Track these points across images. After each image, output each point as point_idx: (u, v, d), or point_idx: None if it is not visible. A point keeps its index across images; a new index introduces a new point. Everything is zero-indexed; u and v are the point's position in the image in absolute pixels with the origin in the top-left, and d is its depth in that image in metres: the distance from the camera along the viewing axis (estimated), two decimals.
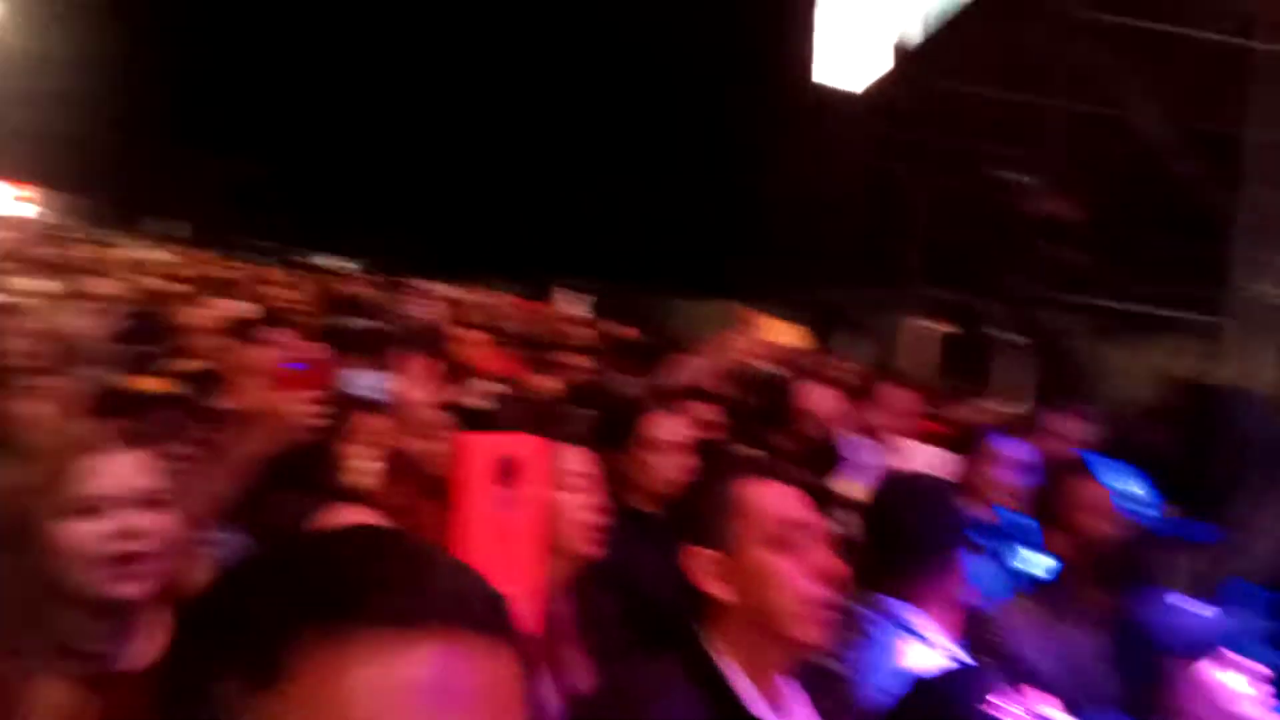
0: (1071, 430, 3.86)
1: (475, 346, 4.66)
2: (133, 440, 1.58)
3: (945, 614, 2.03)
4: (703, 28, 30.20)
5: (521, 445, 0.93)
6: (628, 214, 36.01)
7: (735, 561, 1.50)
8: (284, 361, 2.03)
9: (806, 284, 19.82)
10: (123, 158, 33.57)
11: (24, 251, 6.84)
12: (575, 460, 2.03)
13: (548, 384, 3.96)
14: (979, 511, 3.23)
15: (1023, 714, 1.37)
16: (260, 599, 0.57)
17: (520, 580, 0.92)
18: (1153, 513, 2.60)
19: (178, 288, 4.21)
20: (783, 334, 4.02)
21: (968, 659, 1.87)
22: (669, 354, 4.00)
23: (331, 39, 40.23)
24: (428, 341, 3.29)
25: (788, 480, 1.59)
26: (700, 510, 1.57)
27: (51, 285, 4.36)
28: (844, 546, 2.07)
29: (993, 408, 5.57)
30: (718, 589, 1.50)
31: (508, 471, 0.91)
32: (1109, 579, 2.35)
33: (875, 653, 1.91)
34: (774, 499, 1.53)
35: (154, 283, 5.85)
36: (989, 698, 1.52)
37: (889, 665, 1.88)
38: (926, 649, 1.90)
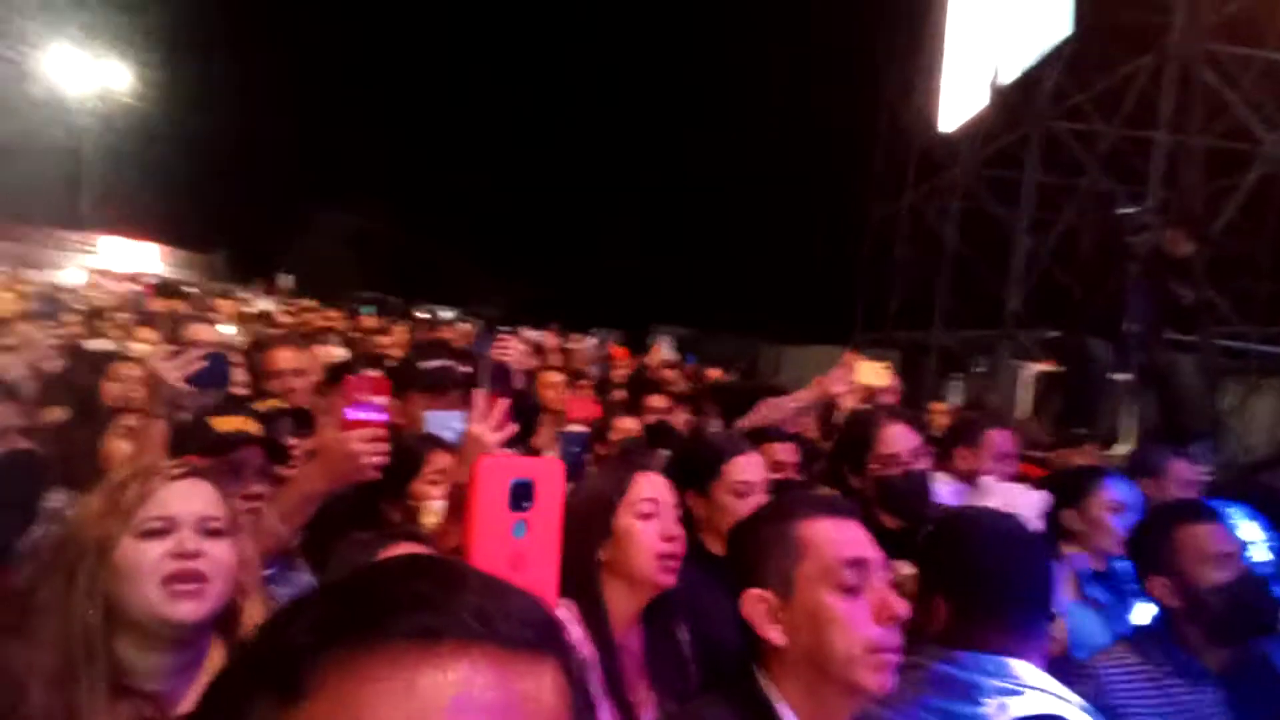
0: (1183, 473, 3.64)
1: (555, 388, 4.70)
2: (204, 474, 1.63)
3: (1037, 661, 1.88)
4: (798, 75, 30.32)
5: (537, 468, 0.89)
6: (729, 261, 36.16)
7: (793, 604, 1.44)
8: (354, 403, 2.04)
9: (909, 326, 19.48)
10: (237, 214, 35.50)
11: (138, 304, 7.24)
12: (650, 488, 2.01)
13: (627, 425, 3.94)
14: (1083, 557, 3.06)
15: None
16: (291, 622, 0.59)
17: None
18: (1272, 557, 2.39)
19: (274, 334, 4.36)
20: (877, 376, 3.89)
21: (1076, 702, 1.70)
22: (758, 397, 3.93)
23: (434, 98, 41.95)
24: (500, 382, 3.29)
25: (847, 517, 1.51)
26: (757, 551, 1.50)
27: (156, 335, 4.59)
28: (927, 595, 1.97)
29: (1100, 450, 5.27)
30: (774, 633, 1.44)
31: (523, 495, 0.87)
32: (1222, 628, 2.16)
33: (962, 704, 1.77)
34: (832, 538, 1.46)
35: (253, 330, 6.12)
36: None
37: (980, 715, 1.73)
38: (1027, 697, 1.75)
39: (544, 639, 0.61)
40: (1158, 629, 2.32)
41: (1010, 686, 1.70)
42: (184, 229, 30.65)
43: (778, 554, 1.46)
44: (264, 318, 7.80)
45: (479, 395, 2.42)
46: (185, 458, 2.26)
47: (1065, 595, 2.86)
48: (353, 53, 41.94)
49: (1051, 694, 1.69)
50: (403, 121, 43.05)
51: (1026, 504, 2.61)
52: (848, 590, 1.41)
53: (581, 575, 1.96)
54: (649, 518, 1.97)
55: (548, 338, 8.28)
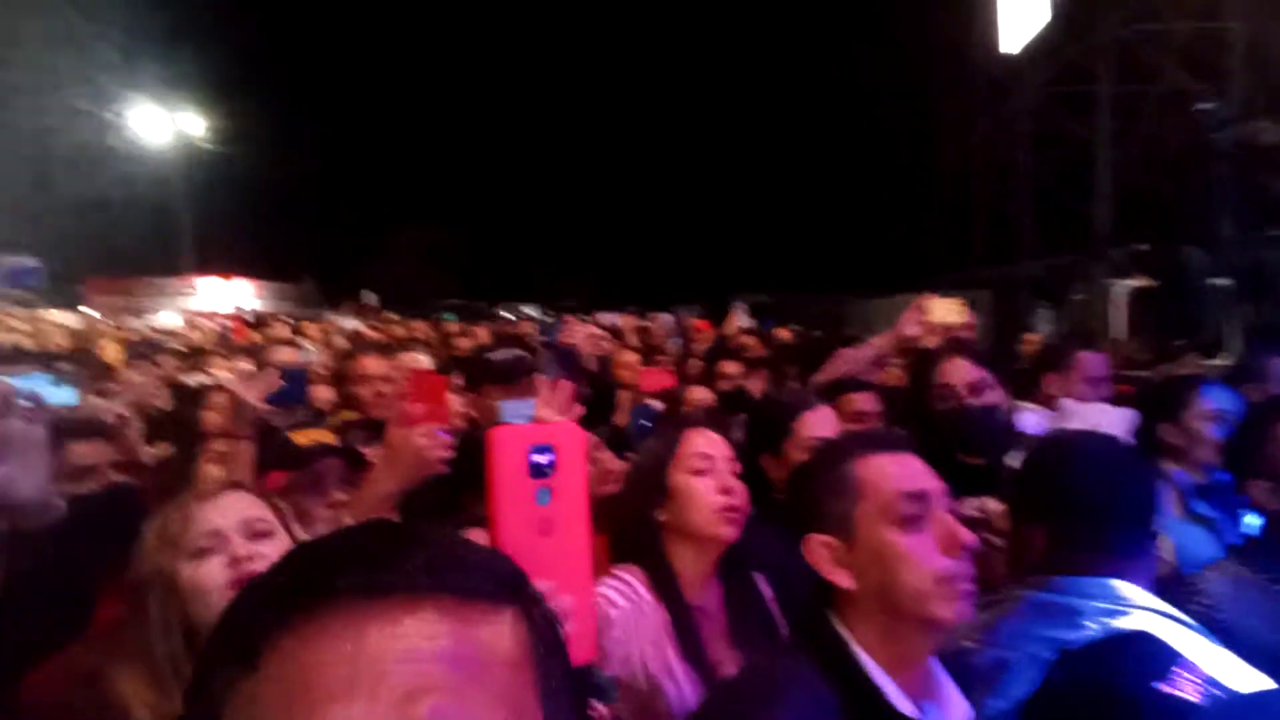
0: None
1: (631, 368, 4.72)
2: (238, 484, 1.71)
3: (1143, 583, 1.81)
4: (852, 20, 29.55)
5: (555, 434, 0.89)
6: (805, 221, 35.65)
7: (856, 545, 1.41)
8: (416, 401, 2.09)
9: (995, 261, 18.88)
10: (321, 242, 36.67)
11: (228, 338, 7.56)
12: (701, 443, 2.02)
13: (699, 395, 3.92)
14: (1183, 473, 2.93)
15: (1201, 684, 1.21)
16: (246, 595, 0.60)
17: (567, 572, 0.88)
18: None
19: (361, 344, 4.50)
20: (952, 313, 3.78)
21: (1182, 619, 1.64)
22: (832, 350, 3.88)
23: (492, 101, 42.40)
24: (568, 366, 3.33)
25: (902, 451, 1.47)
26: (814, 496, 1.47)
27: (247, 365, 4.79)
28: (1023, 526, 1.92)
29: (1200, 361, 5.03)
30: (841, 577, 1.41)
31: (544, 463, 0.87)
32: None
33: (1065, 629, 1.72)
34: (888, 472, 1.42)
35: (335, 349, 6.30)
36: (1173, 667, 1.36)
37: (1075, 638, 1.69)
38: (1133, 617, 1.70)
39: (501, 588, 0.61)
40: (1266, 537, 2.21)
41: (1115, 607, 1.66)
42: (273, 262, 31.75)
43: (835, 496, 1.43)
44: (353, 336, 8.05)
45: (541, 381, 2.46)
46: (270, 473, 2.38)
47: (1170, 512, 2.75)
48: (412, 73, 42.70)
49: (1158, 613, 1.64)
50: (466, 130, 43.68)
51: (1113, 423, 2.52)
52: (910, 524, 1.37)
53: (643, 538, 1.98)
54: (703, 473, 1.97)
55: (624, 319, 8.31)
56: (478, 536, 1.66)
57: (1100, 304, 9.72)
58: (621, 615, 1.84)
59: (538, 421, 2.35)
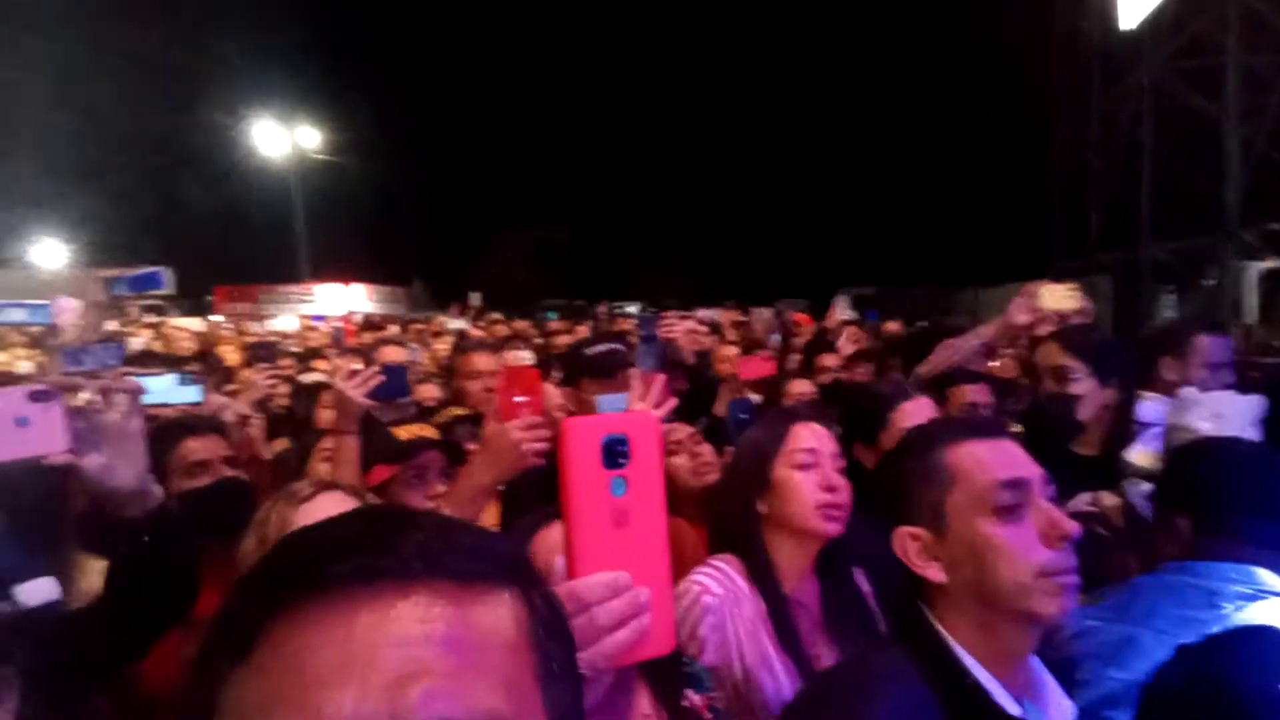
0: None
1: (731, 362, 4.68)
2: (332, 486, 1.74)
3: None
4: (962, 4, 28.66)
5: (629, 423, 0.88)
6: (911, 211, 34.81)
7: (948, 537, 1.35)
8: (512, 395, 2.12)
9: (1114, 245, 18.00)
10: (429, 246, 37.80)
11: (340, 340, 7.85)
12: (807, 437, 1.99)
13: (800, 388, 3.87)
14: None
15: None
16: (241, 585, 0.60)
17: (643, 563, 0.87)
18: None
19: (471, 341, 4.60)
20: (1066, 300, 3.62)
21: None
22: (936, 342, 3.77)
23: (595, 102, 42.80)
24: (665, 360, 3.33)
25: (998, 437, 1.39)
26: (903, 486, 1.42)
27: (356, 364, 4.95)
28: (1166, 515, 1.87)
29: None
30: (933, 570, 1.36)
31: (618, 452, 0.86)
32: None
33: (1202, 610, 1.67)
34: (982, 460, 1.35)
35: (439, 349, 6.47)
36: None
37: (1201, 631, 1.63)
38: (1270, 602, 1.63)
39: (497, 570, 0.60)
40: None
41: (1252, 591, 1.65)
42: (386, 267, 32.92)
43: (925, 485, 1.37)
44: (458, 336, 8.26)
45: (634, 375, 2.46)
46: (374, 467, 2.45)
47: None
48: (514, 78, 43.53)
49: None
50: (568, 131, 44.24)
51: (1238, 410, 2.37)
52: (1007, 514, 1.30)
53: (743, 529, 1.96)
54: (807, 468, 1.94)
55: (724, 314, 8.27)
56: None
57: (1230, 287, 9.16)
58: (718, 603, 1.83)
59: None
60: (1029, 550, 1.29)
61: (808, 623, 1.91)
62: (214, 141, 31.19)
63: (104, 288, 3.70)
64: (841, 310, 7.09)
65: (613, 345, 3.34)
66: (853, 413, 2.76)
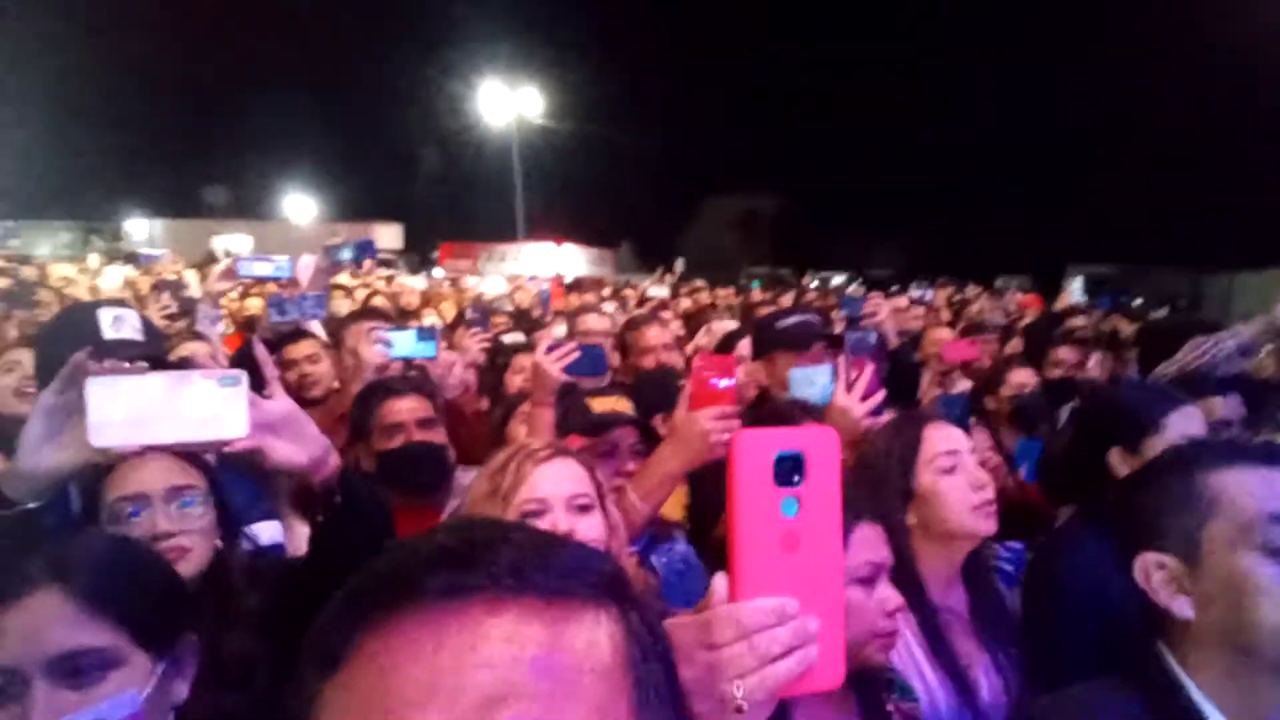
0: None
1: (940, 345, 4.39)
2: (569, 453, 1.75)
3: None
4: None
5: (807, 438, 0.78)
6: (1156, 183, 31.70)
7: (1202, 570, 1.20)
8: (703, 381, 2.05)
9: None
10: (638, 210, 38.53)
11: (546, 302, 8.07)
12: (945, 440, 1.93)
13: (1020, 378, 3.55)
14: None
15: None
16: (336, 596, 0.59)
17: (814, 591, 0.78)
18: None
19: (642, 314, 4.56)
20: None
21: None
22: (1187, 336, 3.36)
23: (804, 70, 41.88)
24: (870, 346, 3.14)
25: (1272, 463, 1.22)
26: (1154, 507, 1.27)
27: (560, 328, 5.05)
28: None
29: None
30: (1179, 605, 1.21)
31: (791, 469, 0.77)
32: None
33: None
34: (1253, 489, 1.19)
35: (637, 315, 6.47)
36: None
37: None
38: None
39: (593, 589, 0.58)
40: None
41: None
42: (596, 229, 33.90)
43: (1180, 511, 1.23)
44: (659, 302, 8.30)
45: (841, 363, 2.32)
46: (568, 437, 2.45)
47: None
48: (725, 48, 43.30)
49: None
50: (779, 99, 43.55)
51: None
52: (1276, 554, 1.15)
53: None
54: (953, 471, 1.89)
55: (938, 292, 7.85)
56: None
57: None
58: None
59: (833, 405, 2.23)
60: None
61: (959, 630, 1.85)
62: (444, 107, 33.10)
63: (324, 254, 4.01)
64: (1075, 293, 6.53)
65: (806, 316, 3.19)
66: (1111, 413, 2.48)
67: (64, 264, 12.06)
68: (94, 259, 14.15)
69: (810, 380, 2.70)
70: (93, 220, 30.75)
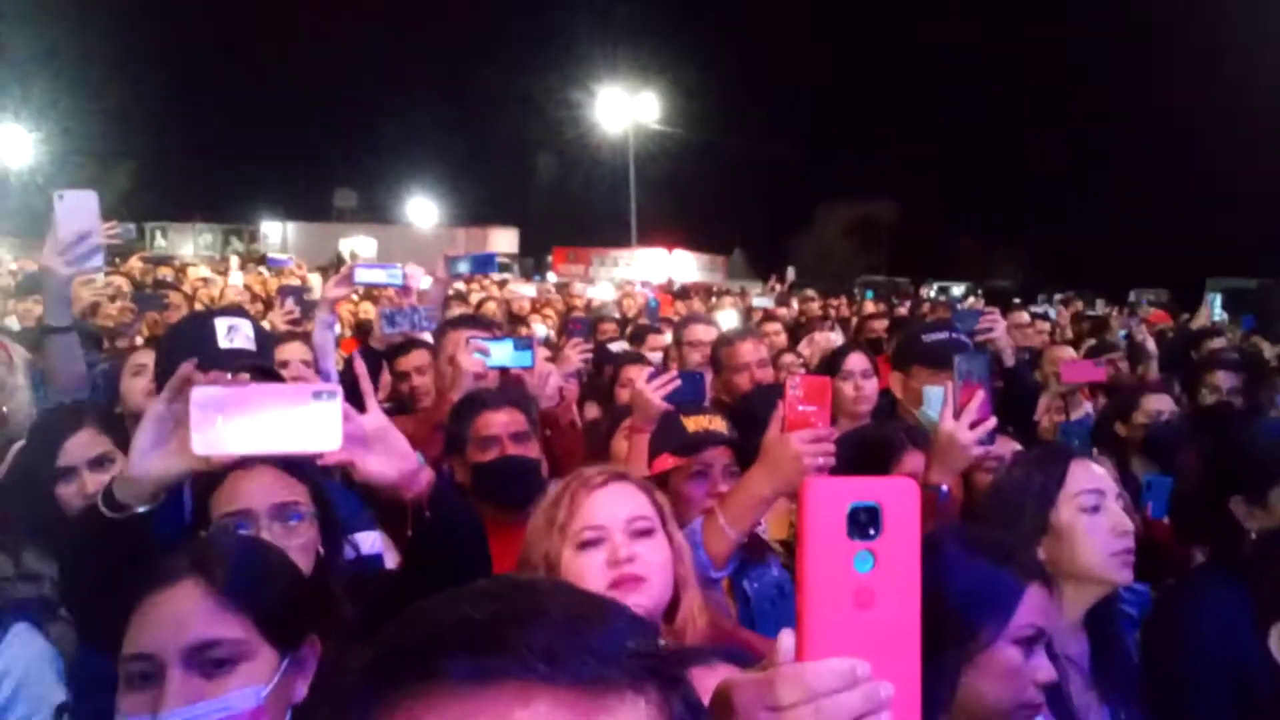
0: None
1: (1056, 364, 4.13)
2: (625, 476, 1.72)
3: None
4: None
5: (884, 489, 0.72)
6: None
7: None
8: (796, 404, 1.98)
9: None
10: (750, 216, 38.30)
11: (654, 310, 8.05)
12: (1090, 478, 1.82)
13: (1155, 405, 3.29)
14: None
15: None
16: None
17: (888, 652, 0.72)
18: None
19: (736, 330, 4.47)
20: None
21: None
22: None
23: (920, 82, 40.86)
24: (983, 368, 2.98)
25: None
26: None
27: (665, 339, 5.05)
28: None
29: None
30: None
31: (866, 521, 0.71)
32: None
33: None
34: None
35: (730, 331, 6.35)
36: None
37: None
38: None
39: (631, 674, 0.54)
40: None
41: None
42: (708, 235, 33.85)
43: None
44: (765, 312, 8.17)
45: (949, 387, 2.20)
46: (660, 455, 2.40)
47: None
48: (842, 52, 42.66)
49: None
50: (896, 102, 42.58)
51: None
52: None
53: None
54: (1095, 511, 1.77)
55: (1060, 309, 7.47)
56: None
57: None
58: None
59: (940, 431, 2.11)
60: None
61: (1078, 682, 1.73)
62: (563, 113, 33.68)
63: (445, 266, 4.11)
64: (1214, 311, 6.10)
65: (953, 334, 3.05)
66: (1236, 458, 2.27)
67: (201, 265, 12.74)
68: (233, 261, 14.91)
69: (942, 399, 2.59)
70: (233, 222, 32.43)
